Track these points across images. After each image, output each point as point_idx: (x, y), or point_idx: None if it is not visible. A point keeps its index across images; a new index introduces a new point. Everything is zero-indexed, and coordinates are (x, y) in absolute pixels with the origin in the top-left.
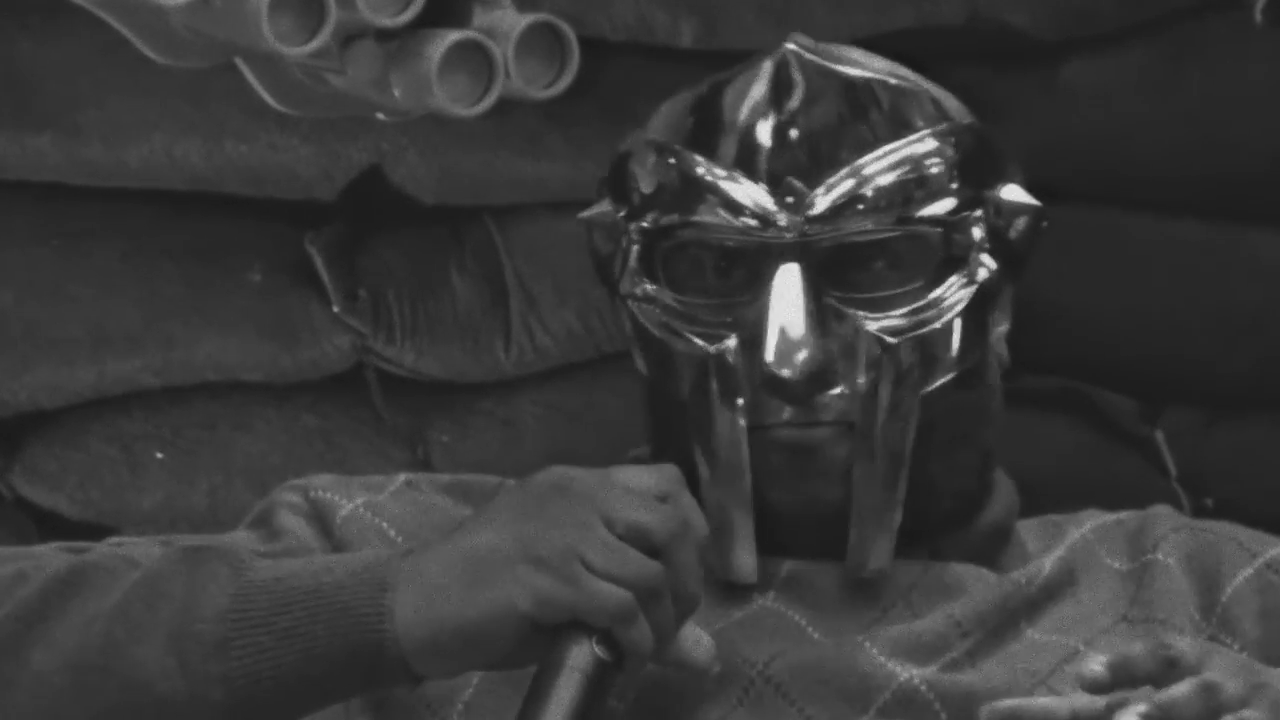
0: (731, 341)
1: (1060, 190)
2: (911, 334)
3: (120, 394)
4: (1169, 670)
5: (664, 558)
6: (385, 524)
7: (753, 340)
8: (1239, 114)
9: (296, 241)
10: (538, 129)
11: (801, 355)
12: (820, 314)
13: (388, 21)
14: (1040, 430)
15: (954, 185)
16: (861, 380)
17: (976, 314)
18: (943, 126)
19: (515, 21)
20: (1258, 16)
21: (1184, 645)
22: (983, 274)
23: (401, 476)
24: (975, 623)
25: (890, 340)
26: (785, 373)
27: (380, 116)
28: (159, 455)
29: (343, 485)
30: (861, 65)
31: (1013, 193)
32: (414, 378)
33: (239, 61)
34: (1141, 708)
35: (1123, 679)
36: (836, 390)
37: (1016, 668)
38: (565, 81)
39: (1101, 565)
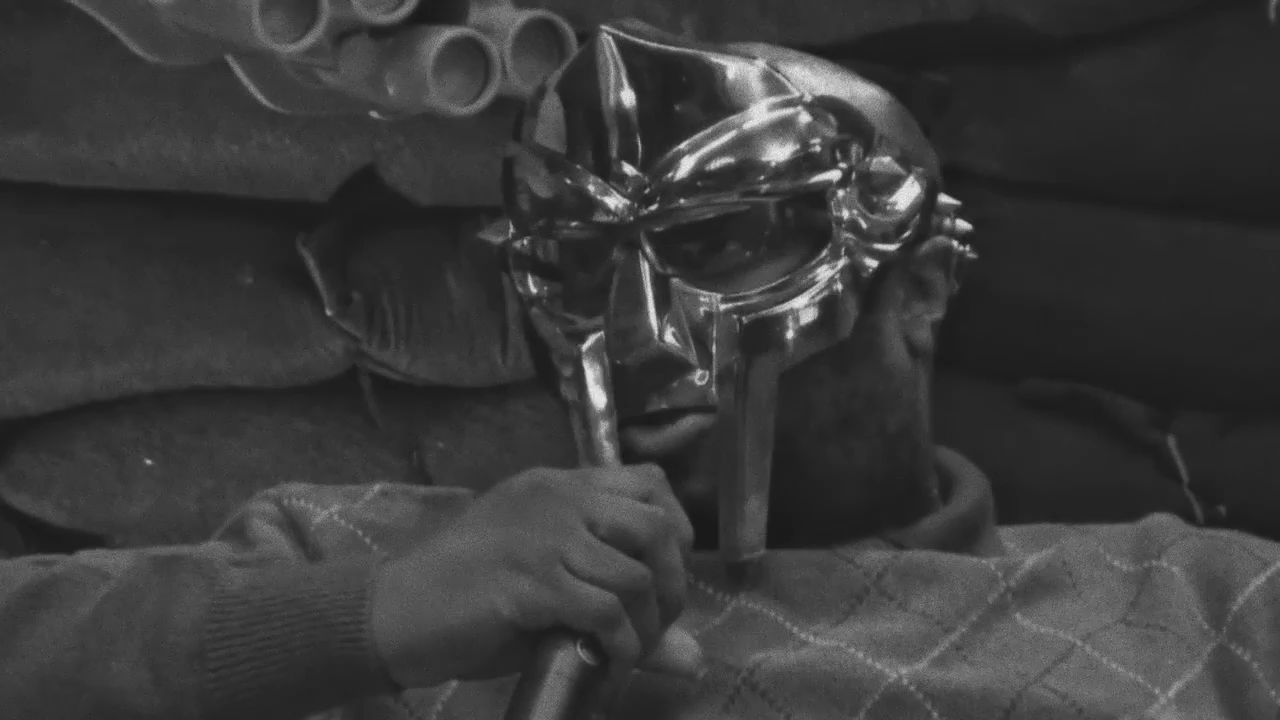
0: (600, 337)
1: (1071, 190)
2: (767, 311)
3: (108, 399)
4: None
5: (647, 559)
6: (360, 531)
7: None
8: (1254, 112)
9: (288, 243)
10: None
11: (640, 341)
12: (664, 298)
13: (382, 18)
14: (1048, 436)
15: (800, 157)
16: (719, 361)
17: (850, 292)
18: (783, 99)
19: (512, 18)
20: (1272, 14)
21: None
22: (857, 249)
23: (376, 486)
24: (955, 617)
25: (745, 318)
26: (626, 360)
27: (374, 115)
28: (148, 462)
29: (316, 494)
30: (687, 44)
31: (883, 165)
32: (408, 382)
33: (230, 59)
34: None
35: None
36: (696, 373)
37: (1009, 665)
38: None
39: (1103, 563)
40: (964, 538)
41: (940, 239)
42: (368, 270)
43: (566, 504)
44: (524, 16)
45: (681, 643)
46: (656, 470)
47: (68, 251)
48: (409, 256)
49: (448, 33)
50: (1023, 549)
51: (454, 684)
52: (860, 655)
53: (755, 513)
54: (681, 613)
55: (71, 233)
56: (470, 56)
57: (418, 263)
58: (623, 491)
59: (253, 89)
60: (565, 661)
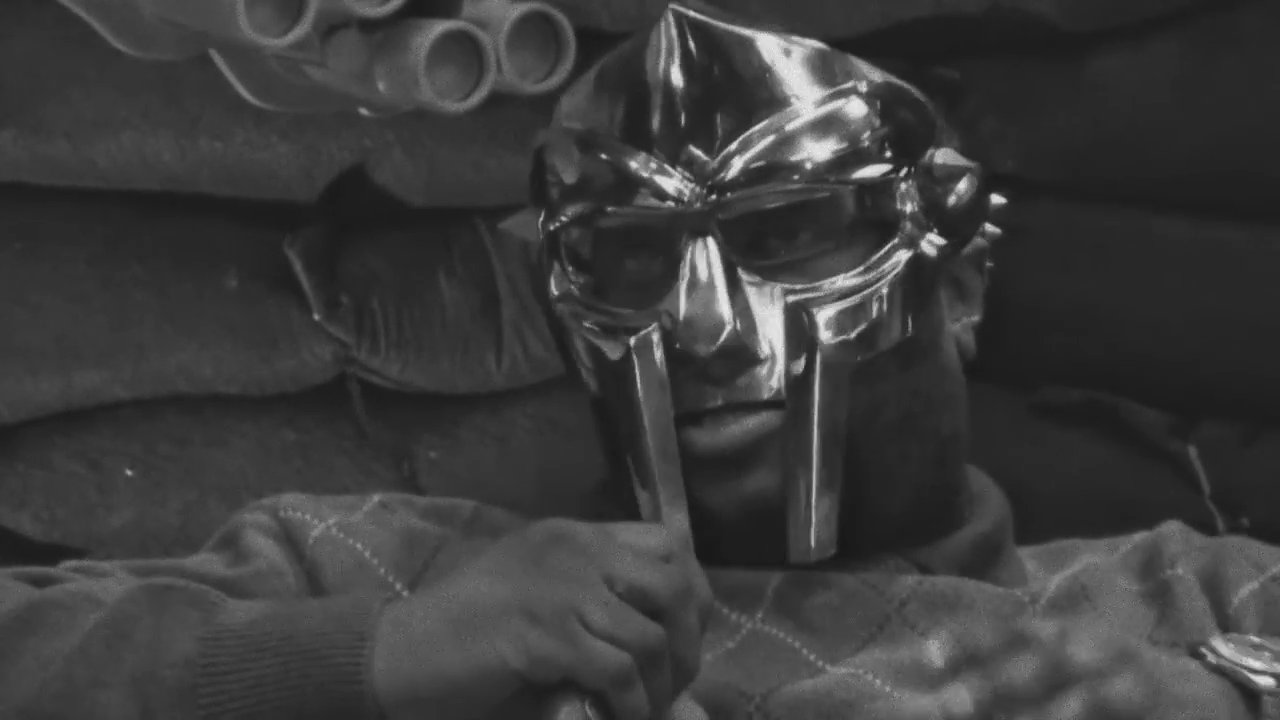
0: (653, 328)
1: (1088, 190)
2: (839, 303)
3: (88, 407)
4: (1019, 649)
5: (665, 621)
6: (360, 545)
7: (671, 323)
8: (1278, 109)
9: (275, 245)
10: (531, 125)
11: (715, 330)
12: (735, 286)
13: (372, 11)
14: (1065, 445)
15: (869, 146)
16: (788, 354)
17: (915, 285)
18: (851, 85)
19: (507, 11)
20: None
21: (1040, 625)
22: (920, 242)
23: (376, 497)
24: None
25: (815, 311)
26: (699, 349)
27: (364, 112)
28: (129, 472)
29: (313, 505)
30: (757, 26)
31: (946, 156)
32: (400, 390)
33: (213, 53)
34: (971, 683)
35: (964, 667)
36: (763, 366)
37: None
38: (560, 75)
39: (1116, 587)
40: (987, 558)
41: (978, 240)
42: (357, 273)
43: (586, 558)
44: (519, 9)
45: (689, 709)
46: (680, 529)
47: (45, 254)
48: (400, 259)
49: (440, 26)
50: (1043, 569)
51: None
52: (878, 683)
53: (827, 511)
54: (694, 679)
55: (48, 235)
56: (463, 51)
57: (409, 265)
58: (644, 550)
59: (237, 85)
60: (571, 719)
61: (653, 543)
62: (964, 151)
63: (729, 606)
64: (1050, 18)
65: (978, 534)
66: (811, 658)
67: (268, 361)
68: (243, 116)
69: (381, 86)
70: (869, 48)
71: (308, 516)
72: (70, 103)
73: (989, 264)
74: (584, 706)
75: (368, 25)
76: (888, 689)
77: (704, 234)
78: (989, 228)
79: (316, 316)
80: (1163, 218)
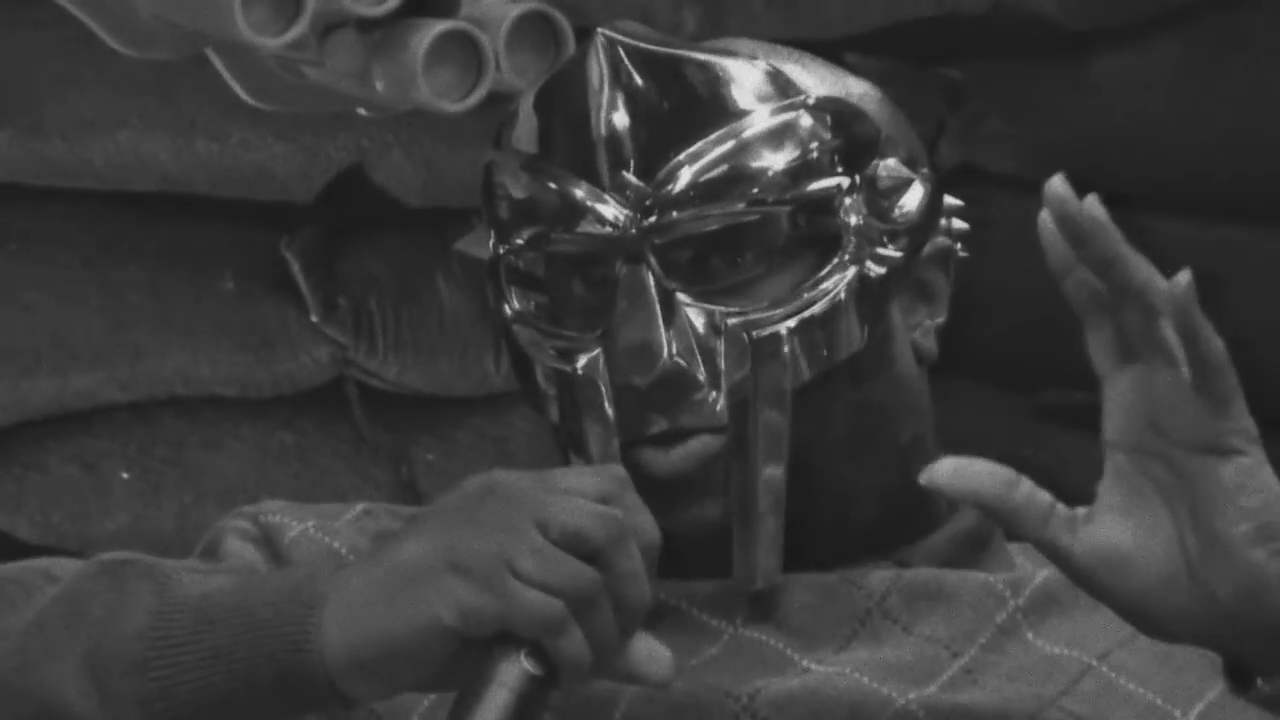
0: (596, 354)
1: (1089, 190)
2: (781, 324)
3: (83, 409)
4: None
5: (602, 563)
6: (336, 544)
7: (611, 352)
8: (1279, 109)
9: (272, 246)
10: None
11: (651, 359)
12: (671, 312)
13: (370, 10)
14: (1067, 447)
15: (809, 162)
16: (729, 379)
17: (863, 301)
18: (788, 102)
19: (506, 10)
20: None
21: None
22: (867, 257)
23: (359, 505)
24: (963, 640)
25: (756, 333)
26: (636, 379)
27: (361, 112)
28: (124, 475)
29: (295, 510)
30: (687, 46)
31: (890, 168)
32: (398, 392)
33: (210, 53)
34: None
35: None
36: (706, 392)
37: (1023, 689)
38: None
39: None
40: (971, 552)
41: (941, 240)
42: (355, 274)
43: (517, 506)
44: (518, 9)
45: (650, 651)
46: (618, 470)
47: (40, 255)
48: (398, 260)
49: (438, 26)
50: (1033, 562)
51: (430, 697)
52: (866, 680)
53: (772, 537)
54: (644, 618)
55: (44, 235)
56: (462, 51)
57: (407, 267)
58: (579, 493)
59: (234, 85)
60: (508, 671)
61: (589, 485)
62: (914, 161)
63: (708, 614)
64: (1053, 17)
65: (959, 530)
66: (795, 657)
67: (265, 363)
68: (239, 117)
69: (379, 86)
70: (870, 48)
71: (288, 520)
72: (66, 103)
73: (961, 251)
74: (520, 657)
75: (365, 25)
76: (874, 685)
77: (639, 260)
78: (955, 223)
79: (314, 318)
80: (1165, 218)
